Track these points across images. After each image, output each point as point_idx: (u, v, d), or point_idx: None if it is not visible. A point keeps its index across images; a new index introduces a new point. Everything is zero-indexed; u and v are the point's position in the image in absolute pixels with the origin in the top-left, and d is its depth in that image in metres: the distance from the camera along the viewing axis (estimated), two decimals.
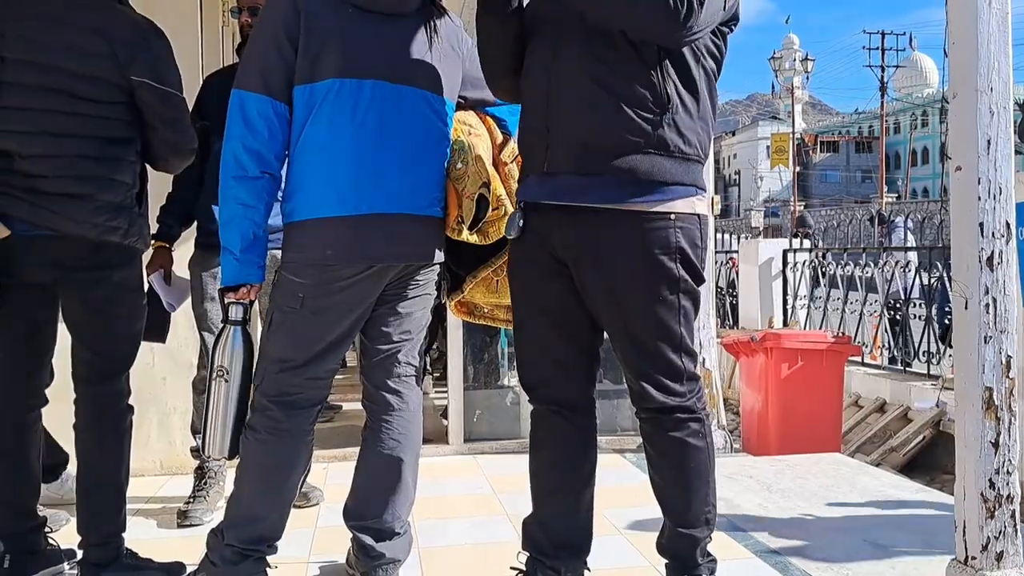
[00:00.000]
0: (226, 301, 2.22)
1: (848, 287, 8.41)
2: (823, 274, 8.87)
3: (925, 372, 7.19)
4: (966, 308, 2.20)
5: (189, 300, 3.21)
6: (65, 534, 2.64)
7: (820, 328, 8.23)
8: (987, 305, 2.17)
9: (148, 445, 3.71)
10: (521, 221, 2.12)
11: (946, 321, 6.90)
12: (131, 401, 2.50)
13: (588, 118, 1.99)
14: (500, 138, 2.48)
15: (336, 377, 2.40)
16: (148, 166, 2.55)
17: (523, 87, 2.14)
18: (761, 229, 33.59)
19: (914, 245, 9.04)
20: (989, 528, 2.16)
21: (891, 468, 5.98)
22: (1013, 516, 2.19)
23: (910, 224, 10.37)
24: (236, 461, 2.29)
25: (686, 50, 1.99)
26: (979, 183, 2.17)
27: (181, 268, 3.22)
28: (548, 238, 2.08)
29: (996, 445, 2.17)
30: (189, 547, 2.58)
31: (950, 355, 6.41)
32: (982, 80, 2.17)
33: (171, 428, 3.79)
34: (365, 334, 2.35)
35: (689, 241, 2.02)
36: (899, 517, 3.21)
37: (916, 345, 7.48)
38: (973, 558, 2.17)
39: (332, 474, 3.56)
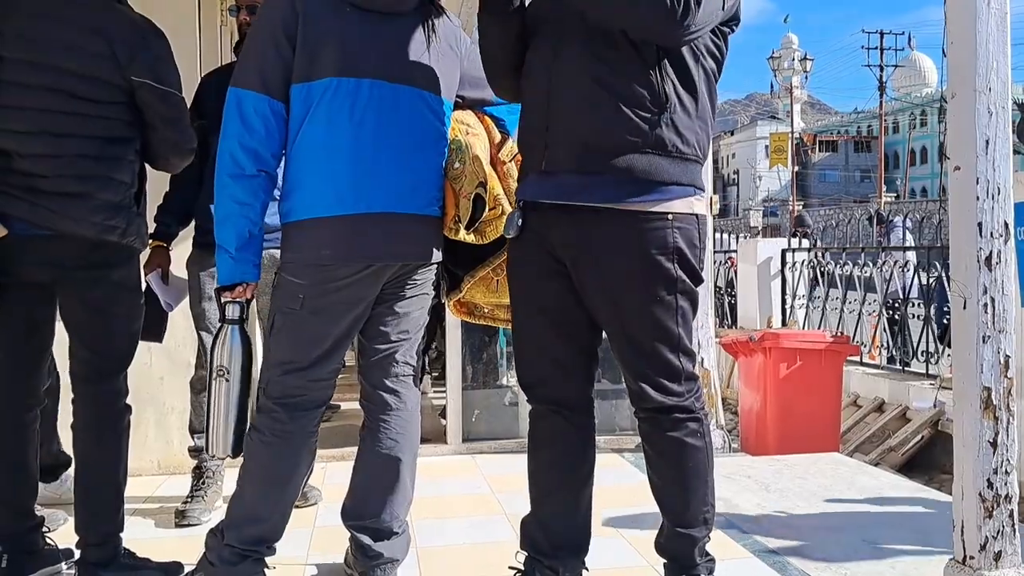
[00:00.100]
0: (223, 300, 2.22)
1: (847, 287, 8.41)
2: (822, 274, 8.87)
3: (924, 372, 7.19)
4: (964, 308, 2.20)
5: (187, 300, 3.21)
6: (63, 534, 2.64)
7: (819, 328, 8.23)
8: (985, 305, 2.17)
9: (146, 445, 3.71)
10: (520, 220, 2.11)
11: (944, 321, 6.90)
12: (129, 401, 2.50)
13: (587, 118, 1.99)
14: (498, 137, 2.48)
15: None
16: (147, 165, 2.55)
17: (523, 86, 2.14)
18: (760, 229, 33.57)
19: (913, 245, 9.06)
20: (987, 528, 2.16)
21: (889, 468, 5.99)
22: (1011, 516, 2.19)
23: (909, 224, 10.39)
24: (235, 461, 2.28)
25: (685, 50, 1.99)
26: (977, 183, 2.17)
27: (179, 268, 3.22)
28: (547, 237, 2.08)
29: (994, 445, 2.17)
30: (187, 547, 2.58)
31: (948, 355, 6.41)
32: (980, 80, 2.17)
33: (169, 428, 3.79)
34: (363, 334, 2.35)
35: (687, 241, 2.02)
36: (897, 517, 3.21)
37: (914, 345, 7.49)
38: (971, 558, 2.17)
39: (330, 474, 3.56)
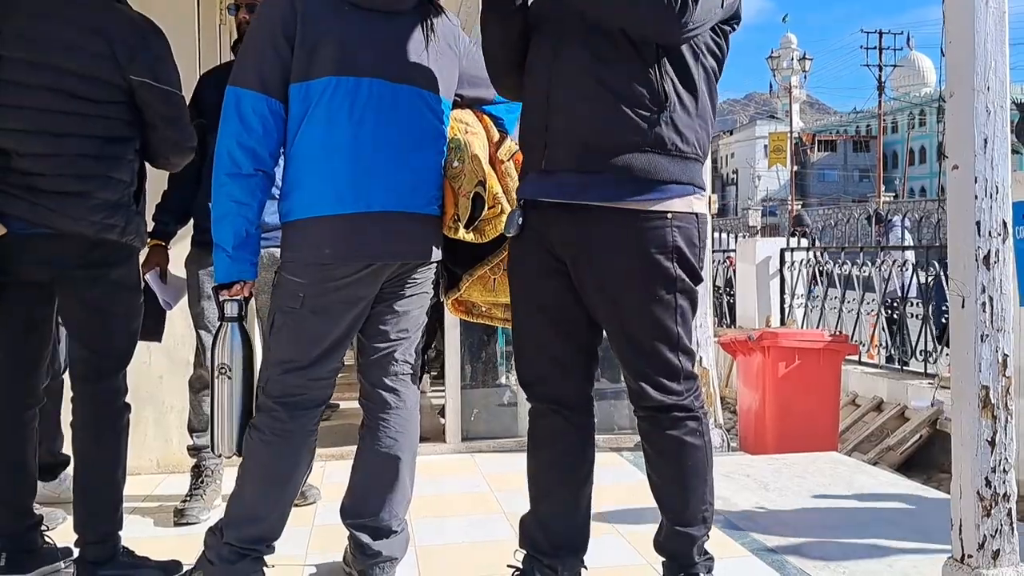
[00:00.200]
0: (221, 298, 2.22)
1: (845, 286, 8.42)
2: (820, 273, 8.88)
3: (922, 371, 7.21)
4: (963, 307, 2.20)
5: (185, 298, 3.21)
6: (62, 532, 2.64)
7: (817, 327, 8.24)
8: (984, 304, 2.18)
9: (145, 443, 3.71)
10: (520, 219, 2.11)
11: (943, 320, 6.91)
12: (128, 399, 2.50)
13: (586, 117, 1.99)
14: (496, 136, 2.48)
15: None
16: (148, 164, 2.55)
17: (525, 85, 2.14)
18: (759, 228, 33.63)
19: (911, 244, 9.06)
20: (985, 526, 2.16)
21: (888, 467, 6.00)
22: (1009, 514, 2.19)
23: (907, 223, 10.40)
24: (235, 459, 2.28)
25: (685, 48, 1.99)
26: (976, 182, 2.18)
27: (177, 267, 3.22)
28: (547, 236, 2.08)
29: (992, 443, 2.17)
30: (186, 545, 2.58)
31: (947, 354, 6.42)
32: (979, 79, 2.17)
33: (168, 426, 3.79)
34: (363, 332, 2.35)
35: (686, 240, 2.02)
36: (896, 515, 3.21)
37: (913, 344, 7.50)
38: (969, 556, 2.17)
39: (329, 472, 3.56)
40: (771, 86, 66.66)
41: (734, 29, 2.11)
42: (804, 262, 9.14)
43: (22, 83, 2.26)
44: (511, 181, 2.38)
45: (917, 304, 7.71)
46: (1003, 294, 2.19)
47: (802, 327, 8.38)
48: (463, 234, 2.29)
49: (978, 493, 2.16)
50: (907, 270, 7.75)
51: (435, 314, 3.44)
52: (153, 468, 3.78)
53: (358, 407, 2.44)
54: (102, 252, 2.37)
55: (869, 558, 2.75)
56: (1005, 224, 2.20)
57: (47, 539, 2.50)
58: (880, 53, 48.84)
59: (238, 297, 2.22)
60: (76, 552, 2.43)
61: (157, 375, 3.74)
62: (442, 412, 4.48)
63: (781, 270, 9.31)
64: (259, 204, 2.19)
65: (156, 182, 2.92)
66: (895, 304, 7.93)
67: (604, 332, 2.15)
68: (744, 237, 14.64)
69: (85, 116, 2.31)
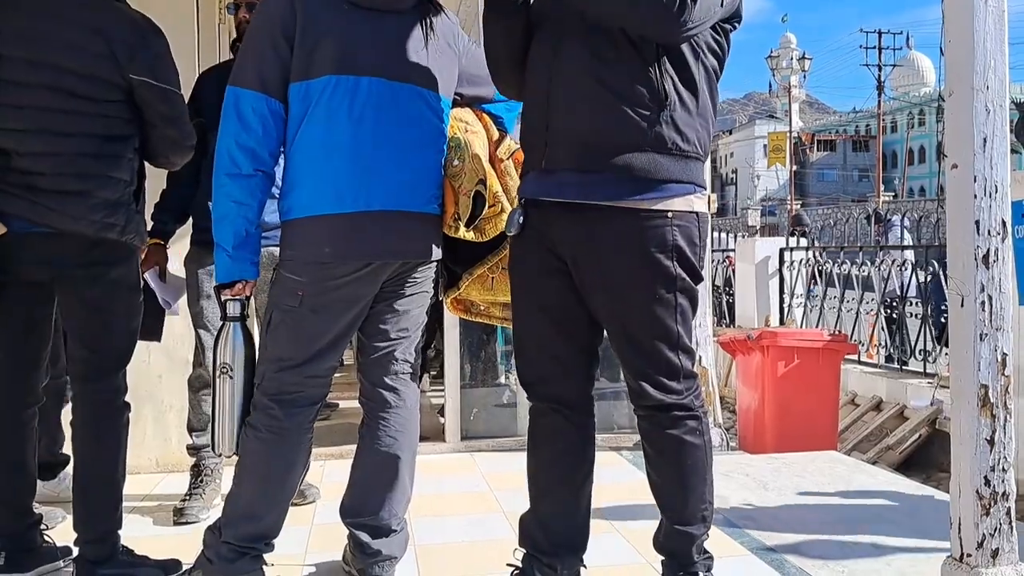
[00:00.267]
0: (223, 298, 2.23)
1: (845, 286, 8.42)
2: (819, 273, 8.88)
3: (921, 370, 7.21)
4: (962, 306, 2.20)
5: (184, 297, 3.21)
6: (61, 532, 2.64)
7: (816, 327, 8.25)
8: (983, 303, 2.18)
9: (144, 442, 3.71)
10: (521, 218, 2.11)
11: (942, 320, 6.91)
12: (127, 398, 2.50)
13: (586, 116, 1.99)
14: (496, 135, 2.48)
15: (334, 375, 2.40)
16: (147, 163, 2.55)
17: (525, 84, 2.14)
18: (758, 228, 33.63)
19: (911, 244, 9.07)
20: (984, 525, 2.16)
21: (887, 466, 6.00)
22: (1008, 513, 2.19)
23: (907, 223, 10.41)
24: (235, 458, 2.28)
25: (685, 47, 1.99)
26: (975, 181, 2.18)
27: (176, 266, 3.22)
28: (547, 235, 2.08)
29: (991, 442, 2.17)
30: (185, 544, 2.58)
31: (946, 353, 6.42)
32: (978, 78, 2.17)
33: (167, 425, 3.79)
34: (363, 331, 2.35)
35: (687, 239, 2.01)
36: (895, 514, 3.21)
37: (912, 343, 7.50)
38: (968, 555, 2.18)
39: (329, 472, 3.56)
40: (770, 86, 66.70)
41: (735, 28, 2.11)
42: (803, 262, 9.15)
43: (21, 82, 2.26)
44: (511, 180, 2.38)
45: (916, 304, 7.71)
46: (1002, 293, 2.19)
47: (801, 326, 8.38)
48: (463, 233, 2.29)
49: (977, 492, 2.17)
50: (906, 270, 7.75)
51: (434, 313, 3.44)
52: (152, 467, 3.78)
53: (358, 406, 2.44)
54: (102, 251, 2.37)
55: (868, 557, 2.75)
56: (1004, 223, 2.20)
57: (46, 538, 2.50)
58: (879, 53, 48.88)
59: (240, 296, 2.22)
60: (75, 551, 2.43)
61: (156, 374, 3.74)
62: (441, 411, 4.48)
63: (780, 270, 9.31)
64: (259, 204, 2.19)
65: (154, 181, 2.93)
66: (894, 304, 7.93)
67: (605, 331, 2.15)
68: (743, 237, 14.64)
69: (85, 115, 2.31)
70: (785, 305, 9.14)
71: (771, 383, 5.54)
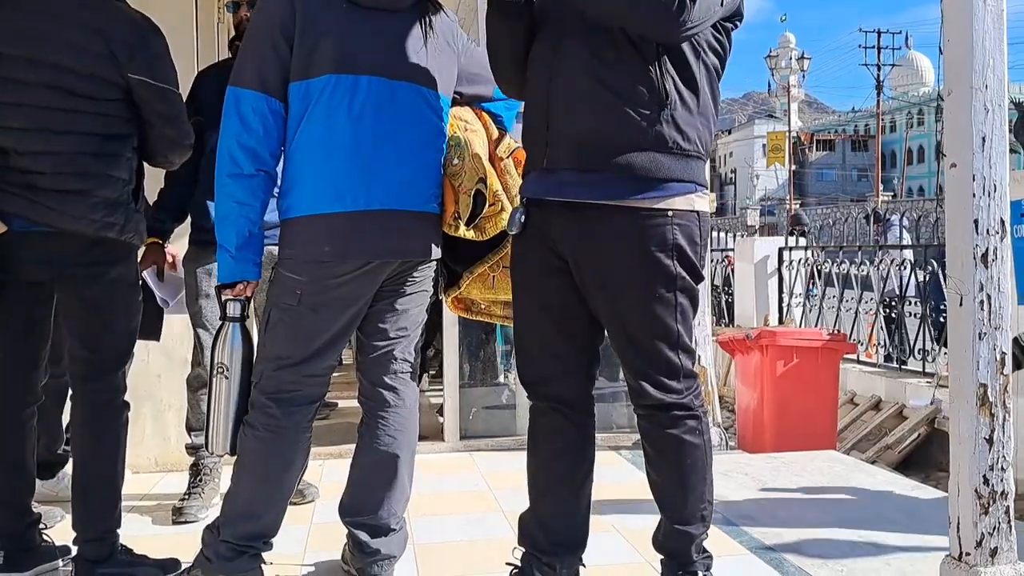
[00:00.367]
0: (223, 298, 2.23)
1: (844, 285, 8.42)
2: (818, 272, 8.89)
3: (920, 370, 7.21)
4: (961, 304, 2.20)
5: (183, 296, 3.21)
6: (60, 531, 2.64)
7: (815, 326, 8.25)
8: (982, 302, 2.18)
9: (143, 442, 3.71)
10: (522, 217, 2.11)
11: (941, 319, 6.91)
12: (126, 398, 2.50)
13: (586, 115, 1.99)
14: (496, 133, 2.48)
15: (332, 374, 2.40)
16: (145, 163, 2.54)
17: (527, 83, 2.14)
18: (757, 227, 33.63)
19: (910, 243, 9.07)
20: (983, 524, 2.16)
21: (886, 465, 6.00)
22: (1007, 512, 2.19)
23: (905, 222, 10.40)
24: (234, 458, 2.28)
25: (686, 46, 1.99)
26: (974, 180, 2.18)
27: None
28: (548, 234, 2.08)
29: (990, 441, 2.17)
30: (184, 543, 2.58)
31: (945, 353, 6.42)
32: (977, 77, 2.17)
33: (166, 425, 3.79)
34: (362, 331, 2.35)
35: (687, 238, 2.01)
36: (894, 514, 3.21)
37: (911, 343, 7.50)
38: (967, 554, 2.18)
39: (327, 471, 3.56)
40: (769, 85, 66.71)
41: (736, 26, 2.11)
42: (802, 261, 9.15)
43: (21, 81, 2.26)
44: (510, 178, 2.38)
45: (915, 303, 7.71)
46: (1001, 292, 2.19)
47: (800, 326, 8.38)
48: (464, 232, 2.29)
49: (976, 491, 2.17)
50: (905, 269, 7.76)
51: (434, 312, 3.45)
52: (151, 466, 3.78)
53: (356, 406, 2.44)
54: (101, 250, 2.37)
55: (867, 556, 2.75)
56: (1003, 222, 2.20)
57: (45, 537, 2.50)
58: (878, 52, 48.91)
59: (241, 297, 2.22)
60: (74, 550, 2.43)
61: (155, 373, 3.74)
62: (440, 411, 4.48)
63: (779, 269, 9.32)
64: (261, 204, 2.19)
65: (152, 180, 2.92)
66: (893, 303, 7.93)
67: (605, 331, 2.15)
68: (742, 236, 14.65)
69: (84, 114, 2.31)
70: (784, 304, 9.15)
71: (770, 382, 5.55)
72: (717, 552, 2.20)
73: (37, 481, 2.57)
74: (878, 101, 47.25)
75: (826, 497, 3.49)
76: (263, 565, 2.27)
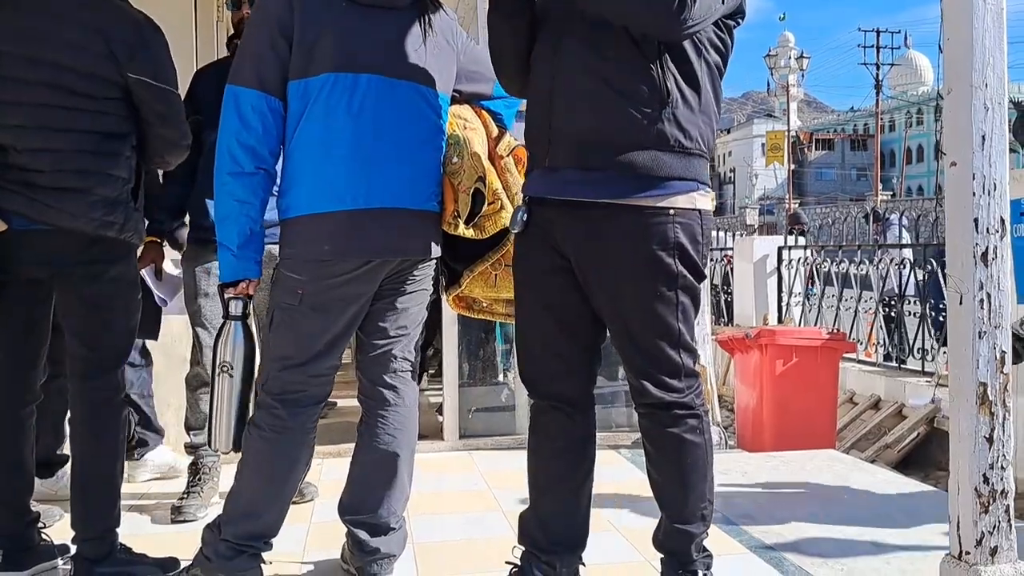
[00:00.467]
0: (226, 296, 2.23)
1: (843, 284, 8.42)
2: (818, 271, 8.89)
3: (920, 369, 7.21)
4: (961, 303, 2.20)
5: (181, 295, 3.21)
6: (59, 529, 2.64)
7: (815, 325, 8.25)
8: (981, 301, 2.17)
9: None
10: (525, 216, 2.11)
11: (940, 318, 6.91)
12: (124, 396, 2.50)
13: (588, 114, 1.99)
14: (495, 132, 2.48)
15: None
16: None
17: (529, 82, 2.14)
18: (756, 227, 33.63)
19: (909, 242, 9.07)
20: (983, 523, 2.16)
21: (886, 465, 6.00)
22: (1007, 511, 2.19)
23: (905, 221, 10.40)
24: (233, 457, 2.28)
25: (687, 44, 1.98)
26: (974, 179, 2.17)
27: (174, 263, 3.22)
28: (551, 233, 2.08)
29: (990, 440, 2.17)
30: (183, 542, 2.58)
31: (945, 352, 6.42)
32: (977, 76, 2.17)
33: (165, 424, 3.77)
34: (362, 329, 2.35)
35: (689, 236, 2.01)
36: (894, 513, 3.21)
37: (911, 342, 7.50)
38: (967, 553, 2.17)
39: (327, 470, 3.56)
40: (768, 84, 66.73)
41: (738, 23, 2.10)
42: (802, 260, 9.15)
43: (20, 79, 2.26)
44: (510, 176, 2.38)
45: (914, 302, 7.71)
46: (1001, 291, 2.19)
47: (799, 325, 8.38)
48: (463, 230, 2.29)
49: (976, 490, 2.16)
50: (904, 268, 7.76)
51: (433, 311, 3.45)
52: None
53: (356, 405, 2.44)
54: (101, 249, 2.36)
55: (867, 555, 2.75)
56: (1003, 221, 2.19)
57: (44, 536, 2.50)
58: (877, 52, 48.92)
59: (242, 295, 2.22)
60: (73, 549, 2.42)
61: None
62: (440, 410, 4.48)
63: (779, 268, 9.32)
64: (262, 202, 2.19)
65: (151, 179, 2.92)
66: (893, 302, 7.93)
67: (607, 330, 2.15)
68: (742, 235, 14.66)
69: (83, 112, 2.31)
70: (783, 304, 9.14)
71: (769, 381, 5.54)
72: (717, 551, 2.19)
73: (36, 480, 2.57)
74: (877, 100, 47.27)
75: (826, 496, 3.48)
76: (262, 564, 2.27)
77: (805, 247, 9.74)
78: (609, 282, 2.03)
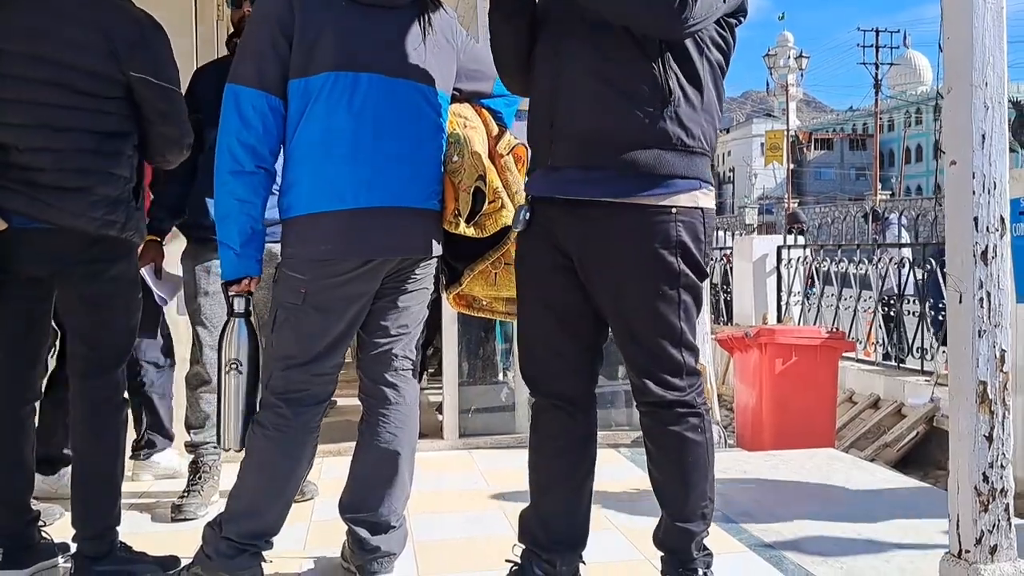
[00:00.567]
0: (229, 294, 2.23)
1: (842, 284, 8.42)
2: (817, 271, 8.89)
3: (919, 368, 7.21)
4: (960, 302, 2.20)
5: (180, 295, 3.21)
6: (59, 528, 2.64)
7: (814, 324, 8.25)
8: (981, 299, 2.18)
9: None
10: (527, 215, 2.12)
11: (940, 317, 6.92)
12: (126, 395, 2.50)
13: (590, 113, 1.99)
14: (495, 130, 2.48)
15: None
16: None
17: (531, 82, 2.14)
18: (755, 226, 33.67)
19: (908, 242, 9.07)
20: (983, 522, 2.17)
21: (885, 464, 6.00)
22: (1007, 510, 2.19)
23: (904, 221, 10.40)
24: (230, 455, 2.28)
25: (689, 42, 1.98)
26: (973, 177, 2.18)
27: (174, 263, 3.21)
28: (553, 231, 2.08)
29: (990, 439, 2.17)
30: (183, 541, 2.58)
31: (944, 351, 6.43)
32: (977, 75, 2.17)
33: None
34: (363, 328, 2.35)
35: (691, 235, 2.01)
36: (893, 512, 3.21)
37: (910, 341, 7.50)
38: (967, 552, 2.18)
39: (327, 468, 3.56)
40: (768, 84, 66.67)
41: (740, 22, 2.10)
42: (801, 260, 9.16)
43: (22, 77, 2.26)
44: (510, 175, 2.38)
45: (914, 301, 7.71)
46: (1001, 290, 2.19)
47: (799, 324, 8.38)
48: (464, 229, 2.29)
49: (975, 488, 2.17)
50: (904, 268, 7.76)
51: (433, 311, 3.46)
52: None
53: (356, 404, 2.44)
54: (102, 248, 2.36)
55: (866, 554, 2.75)
56: (1003, 219, 2.20)
57: (44, 534, 2.50)
58: (877, 51, 48.92)
59: (245, 293, 2.23)
60: (73, 547, 2.42)
61: None
62: (440, 409, 4.48)
63: (778, 267, 9.32)
64: (262, 201, 2.19)
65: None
66: (892, 302, 7.94)
67: (609, 329, 2.15)
68: (741, 235, 14.65)
69: (85, 111, 2.30)
70: (783, 303, 9.15)
71: (769, 380, 5.54)
72: (716, 550, 2.19)
73: (37, 476, 2.57)
74: (876, 100, 47.26)
75: (825, 495, 3.49)
76: (263, 563, 2.27)
77: (804, 246, 9.75)
78: (611, 281, 2.03)
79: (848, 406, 7.45)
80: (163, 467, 3.59)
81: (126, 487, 2.52)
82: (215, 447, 3.19)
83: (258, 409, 2.25)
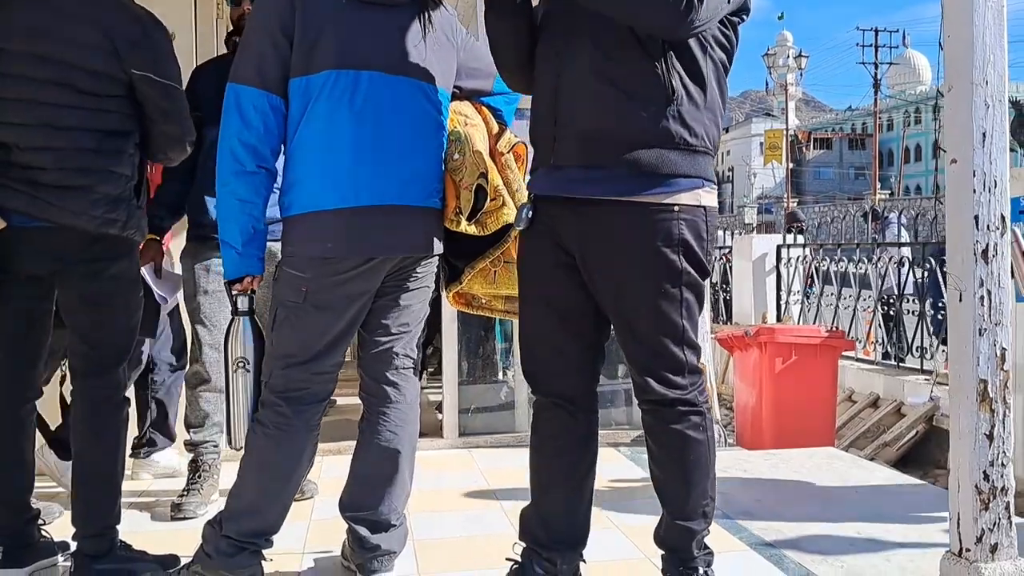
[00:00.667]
0: (232, 293, 2.23)
1: (842, 283, 8.43)
2: (817, 270, 8.89)
3: (918, 367, 7.21)
4: (961, 300, 2.20)
5: (180, 294, 3.21)
6: (59, 526, 2.64)
7: (814, 323, 8.25)
8: (982, 298, 2.18)
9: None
10: (530, 213, 2.11)
11: (939, 316, 6.92)
12: (127, 394, 2.50)
13: (593, 112, 1.99)
14: (496, 128, 2.47)
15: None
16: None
17: (534, 81, 2.14)
18: (754, 225, 33.66)
19: (908, 241, 9.08)
20: (983, 520, 2.17)
21: (884, 463, 6.00)
22: (1007, 508, 2.19)
23: (904, 220, 10.40)
24: (232, 454, 2.28)
25: (693, 41, 1.98)
26: (974, 176, 2.18)
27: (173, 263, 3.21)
28: (556, 230, 2.08)
29: (990, 437, 2.17)
30: (183, 539, 2.58)
31: (943, 350, 6.43)
32: (977, 73, 2.17)
33: None
34: (364, 326, 2.34)
35: (693, 233, 2.01)
36: (893, 510, 3.21)
37: (909, 340, 7.51)
38: (967, 550, 2.18)
39: (327, 467, 3.56)
40: (767, 83, 66.75)
41: (743, 20, 2.10)
42: (800, 259, 9.16)
43: (22, 76, 2.26)
44: (511, 173, 2.38)
45: (913, 300, 7.71)
46: (1001, 288, 2.19)
47: (798, 323, 8.39)
48: (465, 227, 2.29)
49: (976, 487, 2.17)
50: (903, 267, 7.76)
51: (434, 309, 3.46)
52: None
53: (355, 402, 2.44)
54: (103, 246, 2.36)
55: (867, 552, 2.75)
56: (1003, 218, 2.20)
57: (44, 533, 2.50)
58: (876, 51, 48.97)
59: (248, 291, 2.23)
60: (73, 546, 2.42)
61: None
62: (439, 407, 4.48)
63: (777, 267, 9.32)
64: (264, 201, 2.20)
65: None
66: (891, 301, 7.94)
67: (611, 326, 2.15)
68: (740, 234, 14.67)
69: (86, 110, 2.30)
70: (782, 302, 9.15)
71: (768, 379, 5.55)
72: (717, 548, 2.19)
73: (55, 459, 2.56)
74: (875, 99, 47.28)
75: (825, 494, 3.49)
76: (263, 561, 2.27)
77: (804, 245, 9.75)
78: (613, 279, 2.03)
79: (848, 405, 7.45)
80: (162, 466, 3.59)
81: (126, 486, 2.52)
82: (215, 446, 3.19)
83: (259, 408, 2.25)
